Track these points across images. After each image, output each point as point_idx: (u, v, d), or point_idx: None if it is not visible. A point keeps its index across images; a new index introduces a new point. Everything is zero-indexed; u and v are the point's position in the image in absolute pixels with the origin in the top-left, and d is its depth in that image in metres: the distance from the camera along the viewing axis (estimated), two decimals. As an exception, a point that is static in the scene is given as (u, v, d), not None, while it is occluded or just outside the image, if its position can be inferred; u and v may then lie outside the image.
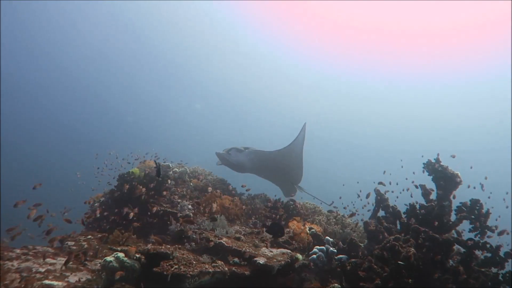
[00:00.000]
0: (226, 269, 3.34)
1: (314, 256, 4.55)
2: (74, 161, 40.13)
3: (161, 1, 41.15)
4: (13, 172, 34.17)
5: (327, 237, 4.87)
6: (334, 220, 6.32)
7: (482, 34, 37.55)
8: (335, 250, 4.60)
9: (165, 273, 3.12)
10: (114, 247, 3.85)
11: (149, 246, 3.83)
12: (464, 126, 45.58)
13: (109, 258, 3.52)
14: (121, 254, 3.56)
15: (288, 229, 5.57)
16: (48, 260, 4.29)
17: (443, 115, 46.34)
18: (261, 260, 3.62)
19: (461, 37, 39.07)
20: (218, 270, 3.27)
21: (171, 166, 7.39)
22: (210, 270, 3.24)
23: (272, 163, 8.09)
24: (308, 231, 5.14)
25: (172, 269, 3.20)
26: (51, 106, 43.99)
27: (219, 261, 3.45)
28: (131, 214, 4.64)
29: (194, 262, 3.39)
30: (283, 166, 8.10)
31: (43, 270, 3.92)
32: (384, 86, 47.78)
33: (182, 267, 3.24)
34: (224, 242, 3.95)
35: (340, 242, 4.76)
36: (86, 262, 4.46)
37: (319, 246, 4.75)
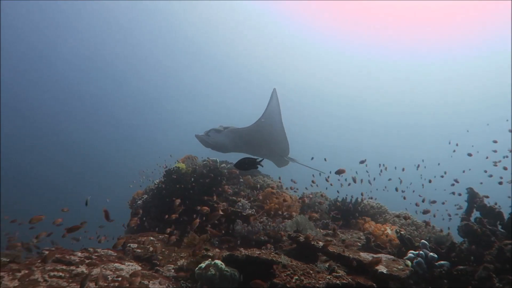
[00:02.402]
0: (351, 280, 2.81)
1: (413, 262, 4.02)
2: (73, 163, 39.78)
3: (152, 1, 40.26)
4: (13, 173, 33.57)
5: (423, 241, 4.33)
6: (404, 220, 5.81)
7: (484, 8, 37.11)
8: (436, 256, 4.07)
9: (288, 285, 2.60)
10: (205, 253, 3.31)
11: (244, 251, 3.30)
12: (464, 102, 45.27)
13: (205, 265, 3.00)
14: (218, 261, 3.04)
15: (365, 231, 5.06)
16: (117, 265, 3.77)
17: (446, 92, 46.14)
18: (384, 269, 3.09)
19: (463, 10, 38.54)
20: (345, 281, 2.75)
21: (218, 161, 6.85)
22: (337, 282, 2.71)
23: (253, 138, 7.70)
24: (395, 234, 4.61)
25: (293, 280, 2.67)
26: (51, 106, 43.21)
27: (340, 271, 2.92)
28: (218, 212, 4.05)
29: (311, 272, 2.87)
30: (265, 138, 7.67)
31: (118, 277, 3.40)
32: (386, 61, 46.98)
33: (303, 278, 2.72)
34: (329, 247, 3.42)
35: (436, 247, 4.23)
36: (158, 268, 3.95)
37: (413, 251, 4.22)
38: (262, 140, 7.76)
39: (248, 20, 44.11)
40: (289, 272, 2.77)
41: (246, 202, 5.55)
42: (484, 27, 38.94)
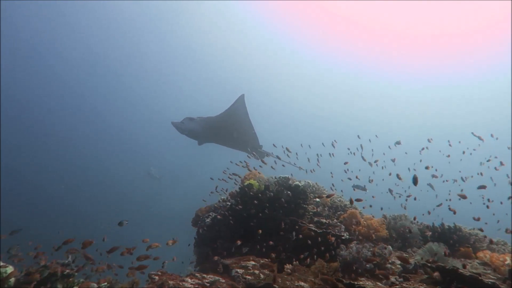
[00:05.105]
0: None
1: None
2: (72, 167, 39.03)
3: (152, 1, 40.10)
4: (13, 179, 32.81)
5: None
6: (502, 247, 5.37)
7: (482, 34, 37.46)
8: None
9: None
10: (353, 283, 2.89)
11: (404, 285, 2.88)
12: (464, 127, 45.91)
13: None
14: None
15: (479, 261, 4.60)
16: (239, 295, 3.33)
17: (443, 117, 46.73)
18: None
19: (461, 37, 39.06)
20: None
21: (291, 178, 6.46)
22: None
23: (222, 126, 8.66)
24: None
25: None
26: (51, 106, 42.68)
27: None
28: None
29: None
30: (232, 129, 8.65)
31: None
32: (384, 84, 47.58)
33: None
34: (484, 279, 3.00)
35: None
36: (282, 299, 3.50)
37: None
38: (230, 128, 8.67)
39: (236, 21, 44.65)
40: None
41: (341, 224, 5.14)
42: (484, 52, 39.55)
